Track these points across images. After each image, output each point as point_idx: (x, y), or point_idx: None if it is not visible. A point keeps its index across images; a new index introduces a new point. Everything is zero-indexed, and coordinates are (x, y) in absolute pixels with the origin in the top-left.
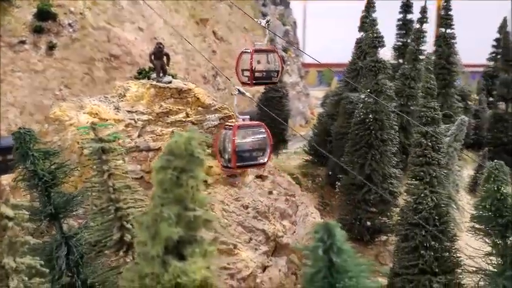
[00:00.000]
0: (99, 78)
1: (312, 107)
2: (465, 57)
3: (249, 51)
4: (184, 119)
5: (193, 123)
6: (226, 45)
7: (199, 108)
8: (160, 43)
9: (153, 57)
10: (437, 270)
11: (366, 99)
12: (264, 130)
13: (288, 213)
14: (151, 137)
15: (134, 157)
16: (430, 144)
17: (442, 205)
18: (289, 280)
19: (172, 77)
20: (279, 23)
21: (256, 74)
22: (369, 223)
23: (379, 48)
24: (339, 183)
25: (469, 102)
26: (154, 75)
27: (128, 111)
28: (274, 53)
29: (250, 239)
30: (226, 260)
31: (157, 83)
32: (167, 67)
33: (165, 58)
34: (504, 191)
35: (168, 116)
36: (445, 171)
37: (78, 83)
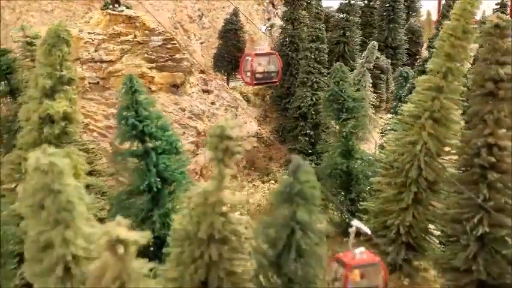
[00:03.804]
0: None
1: None
2: None
3: (250, 55)
4: (132, 39)
5: (139, 42)
6: None
7: (146, 32)
8: None
9: None
10: (311, 151)
11: (284, 25)
12: None
13: None
14: (105, 51)
15: (91, 66)
16: (313, 57)
17: (319, 104)
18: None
19: (126, 7)
20: None
21: (257, 75)
22: (288, 127)
23: None
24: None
25: (420, 37)
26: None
27: (88, 33)
28: (274, 55)
29: (184, 132)
30: None
31: (112, 11)
32: None
33: None
34: (336, 87)
35: (119, 37)
36: (358, 87)
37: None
